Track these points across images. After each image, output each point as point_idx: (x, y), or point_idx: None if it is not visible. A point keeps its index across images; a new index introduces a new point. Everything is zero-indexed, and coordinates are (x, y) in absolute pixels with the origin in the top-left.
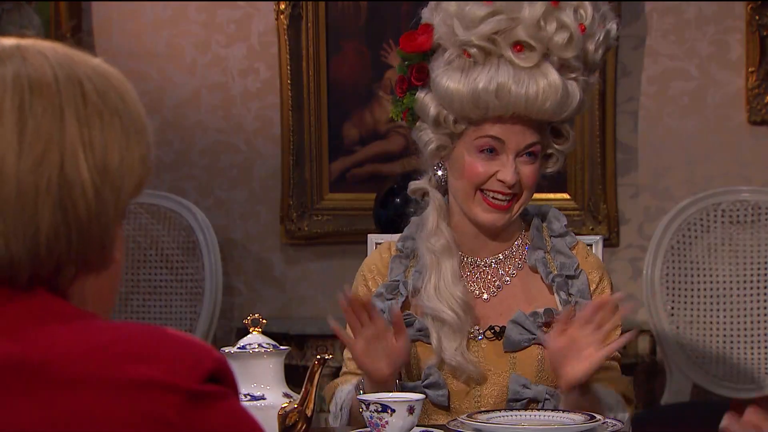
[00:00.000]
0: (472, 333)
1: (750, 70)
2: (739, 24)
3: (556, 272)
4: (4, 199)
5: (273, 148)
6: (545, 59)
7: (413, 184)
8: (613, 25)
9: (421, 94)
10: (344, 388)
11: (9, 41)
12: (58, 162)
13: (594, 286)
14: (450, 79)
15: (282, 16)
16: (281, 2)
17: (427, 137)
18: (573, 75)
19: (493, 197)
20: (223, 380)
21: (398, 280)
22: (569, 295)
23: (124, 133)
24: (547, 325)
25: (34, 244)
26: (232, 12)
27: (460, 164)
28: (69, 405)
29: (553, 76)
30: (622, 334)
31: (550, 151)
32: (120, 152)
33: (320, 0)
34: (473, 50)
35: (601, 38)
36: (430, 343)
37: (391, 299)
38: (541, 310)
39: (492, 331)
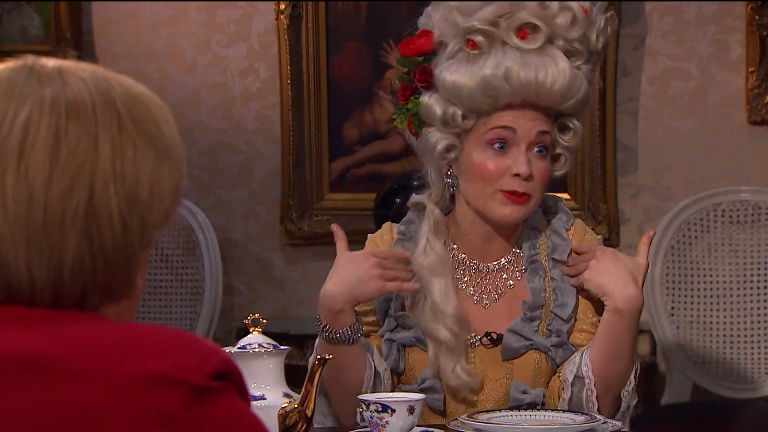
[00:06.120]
0: (468, 340)
1: (750, 70)
2: (739, 24)
3: (545, 253)
4: (31, 224)
5: (273, 148)
6: (550, 43)
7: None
8: (609, 18)
9: (425, 98)
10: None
11: (51, 62)
12: (88, 191)
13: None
14: (455, 73)
15: (282, 16)
16: (281, 2)
17: (434, 138)
18: (577, 62)
19: (511, 193)
20: (230, 381)
21: None
22: (551, 279)
23: (158, 163)
24: (531, 318)
25: (57, 272)
26: (232, 12)
27: (470, 165)
28: (78, 398)
29: (561, 59)
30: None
31: (558, 151)
32: (151, 183)
33: (320, 0)
34: (477, 37)
35: (601, 25)
36: (425, 350)
37: None
38: (528, 311)
39: (488, 338)
